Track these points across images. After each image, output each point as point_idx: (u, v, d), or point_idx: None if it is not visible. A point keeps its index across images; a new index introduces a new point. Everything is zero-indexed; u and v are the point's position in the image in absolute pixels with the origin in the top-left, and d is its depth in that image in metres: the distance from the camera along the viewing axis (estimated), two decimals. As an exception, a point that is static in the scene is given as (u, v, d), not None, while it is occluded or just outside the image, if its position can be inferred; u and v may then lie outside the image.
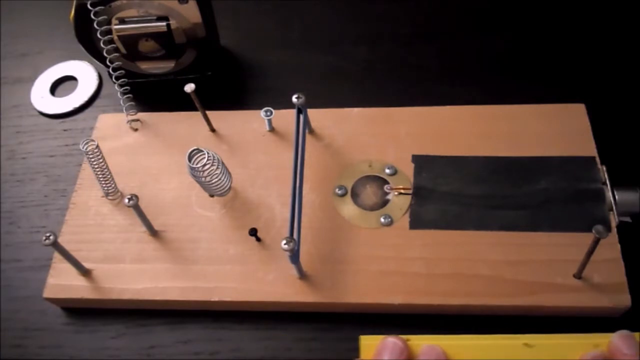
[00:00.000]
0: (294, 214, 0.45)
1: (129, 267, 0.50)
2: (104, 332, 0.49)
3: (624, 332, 0.36)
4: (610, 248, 0.45)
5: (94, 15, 0.53)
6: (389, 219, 0.49)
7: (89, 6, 0.53)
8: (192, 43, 0.58)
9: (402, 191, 0.51)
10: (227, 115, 0.57)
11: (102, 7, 0.54)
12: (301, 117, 0.51)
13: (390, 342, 0.37)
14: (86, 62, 0.66)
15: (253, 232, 0.49)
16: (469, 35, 0.63)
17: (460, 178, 0.51)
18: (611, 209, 0.47)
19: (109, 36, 0.55)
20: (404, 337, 0.37)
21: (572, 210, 0.48)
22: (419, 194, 0.51)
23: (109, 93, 0.64)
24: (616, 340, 0.36)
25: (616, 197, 0.47)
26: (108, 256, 0.50)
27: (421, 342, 0.37)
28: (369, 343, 0.38)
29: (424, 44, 0.63)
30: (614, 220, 0.47)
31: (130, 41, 0.57)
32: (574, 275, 0.45)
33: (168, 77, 0.61)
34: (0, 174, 0.59)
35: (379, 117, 0.55)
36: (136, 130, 0.58)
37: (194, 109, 0.54)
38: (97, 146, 0.50)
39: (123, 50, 0.58)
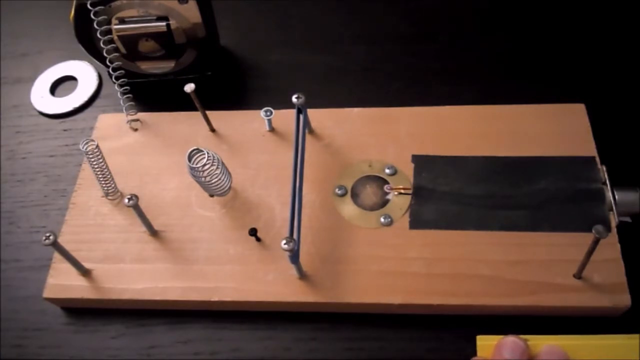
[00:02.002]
0: (294, 214, 0.45)
1: (129, 267, 0.50)
2: (104, 332, 0.49)
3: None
4: (610, 248, 0.45)
5: (94, 15, 0.53)
6: (389, 219, 0.49)
7: (89, 6, 0.53)
8: (192, 43, 0.58)
9: (402, 191, 0.51)
10: (227, 115, 0.57)
11: (102, 7, 0.54)
12: (301, 117, 0.51)
13: (510, 340, 0.37)
14: (86, 62, 0.66)
15: (253, 232, 0.49)
16: (468, 35, 0.63)
17: (460, 178, 0.51)
18: (611, 209, 0.47)
19: (109, 36, 0.55)
20: (523, 337, 0.37)
21: (572, 210, 0.48)
22: (419, 194, 0.51)
23: (109, 93, 0.64)
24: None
25: (616, 197, 0.47)
26: (108, 256, 0.50)
27: (540, 343, 0.37)
28: (485, 343, 0.38)
29: (424, 44, 0.63)
30: (614, 220, 0.47)
31: (130, 41, 0.57)
32: (574, 275, 0.45)
33: (168, 77, 0.61)
34: (0, 174, 0.59)
35: (379, 117, 0.55)
36: (136, 130, 0.58)
37: (194, 109, 0.54)
38: (97, 146, 0.50)
39: (123, 50, 0.58)
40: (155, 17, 0.55)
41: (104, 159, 0.51)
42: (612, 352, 0.37)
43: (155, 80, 0.61)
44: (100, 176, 0.52)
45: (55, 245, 0.46)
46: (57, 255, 0.50)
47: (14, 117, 0.64)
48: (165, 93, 0.61)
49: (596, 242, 0.41)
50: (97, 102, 0.64)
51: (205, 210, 0.52)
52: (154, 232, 0.51)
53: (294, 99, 0.50)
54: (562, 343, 0.37)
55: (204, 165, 0.47)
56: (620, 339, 0.37)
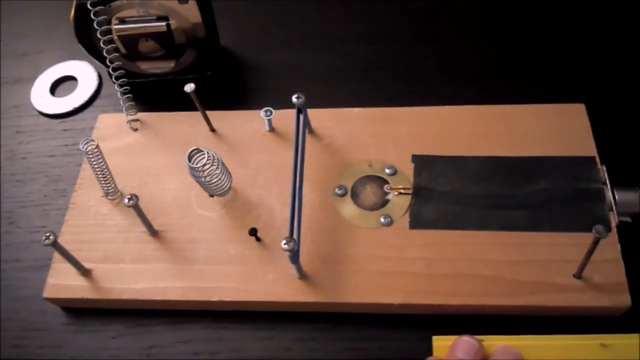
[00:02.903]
0: (294, 214, 0.45)
1: (128, 267, 0.50)
2: (104, 332, 0.49)
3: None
4: (610, 248, 0.45)
5: (94, 15, 0.53)
6: (389, 219, 0.49)
7: (89, 6, 0.53)
8: (192, 43, 0.58)
9: (402, 191, 0.51)
10: (227, 115, 0.57)
11: (102, 7, 0.54)
12: (301, 117, 0.51)
13: (464, 340, 0.37)
14: (86, 62, 0.66)
15: (253, 232, 0.49)
16: (469, 35, 0.63)
17: (460, 178, 0.51)
18: (611, 209, 0.47)
19: (109, 36, 0.55)
20: (478, 337, 0.37)
21: (572, 210, 0.48)
22: (419, 194, 0.51)
23: (109, 93, 0.64)
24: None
25: (616, 197, 0.47)
26: (108, 256, 0.50)
27: (495, 343, 0.37)
28: (441, 344, 0.38)
29: (424, 44, 0.63)
30: (614, 220, 0.47)
31: (130, 41, 0.57)
32: (574, 275, 0.45)
33: (168, 77, 0.61)
34: (0, 174, 0.59)
35: (379, 117, 0.55)
36: (136, 130, 0.58)
37: (194, 109, 0.54)
38: (97, 146, 0.50)
39: (123, 50, 0.58)
40: (155, 17, 0.55)
41: (104, 159, 0.51)
42: (569, 352, 0.37)
43: (155, 80, 0.61)
44: (100, 176, 0.52)
45: (55, 245, 0.46)
46: (57, 255, 0.50)
47: (14, 117, 0.64)
48: (165, 93, 0.61)
49: (596, 242, 0.41)
50: (97, 102, 0.64)
51: (205, 210, 0.52)
52: (154, 232, 0.51)
53: (294, 99, 0.50)
54: (517, 344, 0.37)
55: (204, 165, 0.47)
56: (577, 339, 0.38)
